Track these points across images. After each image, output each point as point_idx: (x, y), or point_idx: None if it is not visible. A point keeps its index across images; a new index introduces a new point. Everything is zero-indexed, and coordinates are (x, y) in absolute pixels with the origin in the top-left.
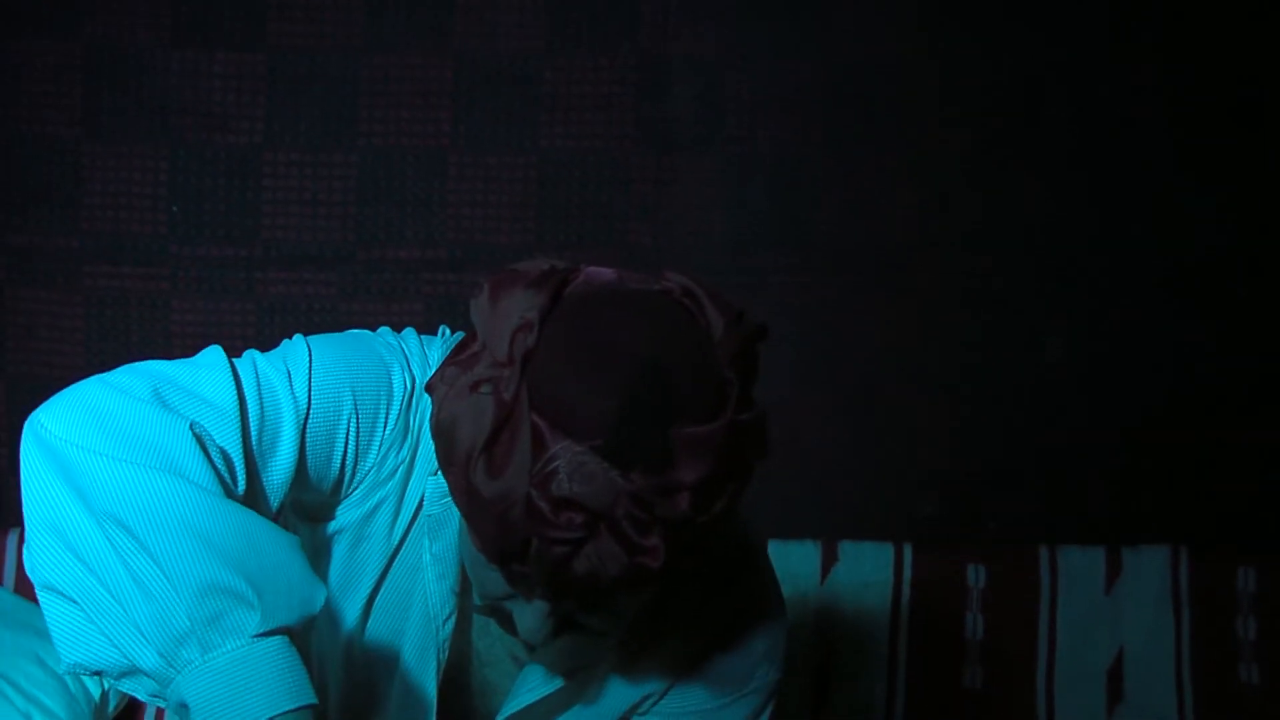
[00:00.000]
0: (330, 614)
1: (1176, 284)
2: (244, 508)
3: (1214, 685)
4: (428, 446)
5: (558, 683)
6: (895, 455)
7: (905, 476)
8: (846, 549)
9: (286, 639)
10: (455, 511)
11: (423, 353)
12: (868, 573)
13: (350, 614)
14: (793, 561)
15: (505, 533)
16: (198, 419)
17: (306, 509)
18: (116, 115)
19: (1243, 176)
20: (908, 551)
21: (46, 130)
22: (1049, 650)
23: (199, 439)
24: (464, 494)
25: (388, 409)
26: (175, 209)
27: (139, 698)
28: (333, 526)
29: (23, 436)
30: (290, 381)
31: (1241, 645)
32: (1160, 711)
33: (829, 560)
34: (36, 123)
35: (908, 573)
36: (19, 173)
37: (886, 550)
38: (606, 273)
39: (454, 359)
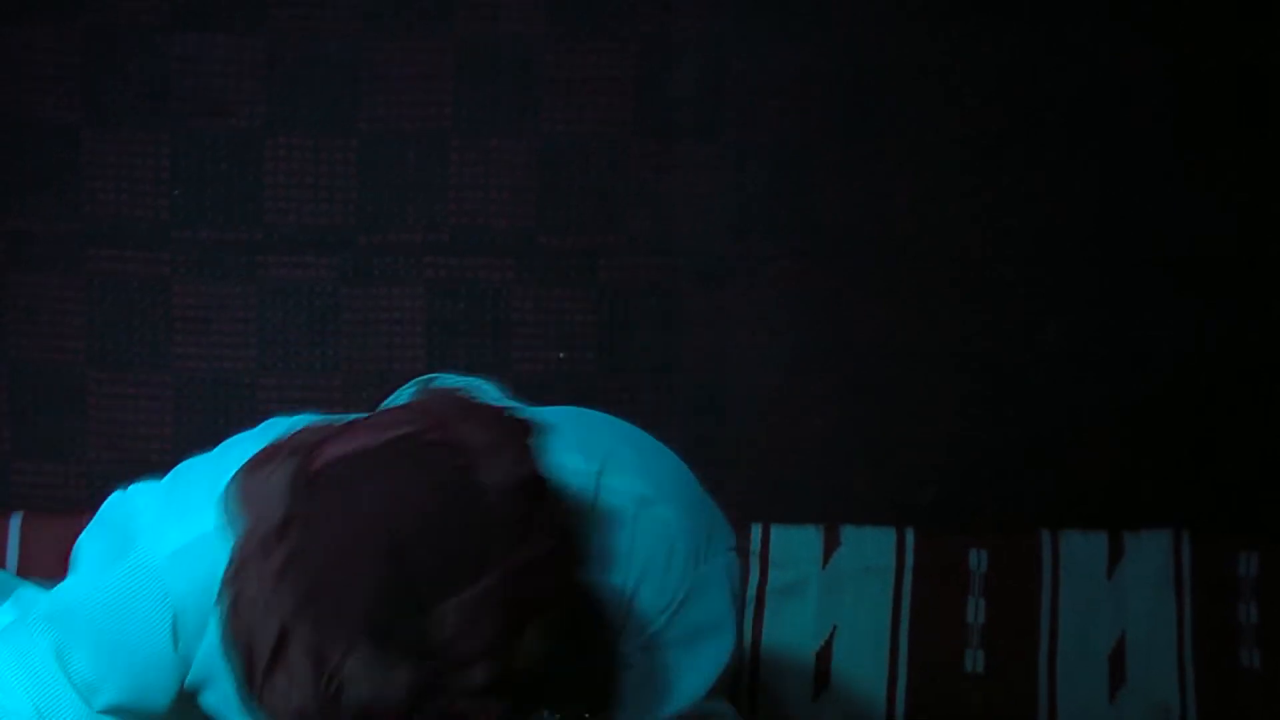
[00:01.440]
0: None
1: (1179, 268)
2: None
3: (1216, 669)
4: None
5: None
6: (896, 440)
7: (906, 461)
8: (848, 533)
9: None
10: None
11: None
12: (869, 557)
13: None
14: (794, 546)
15: None
16: None
17: None
18: (116, 99)
19: (1246, 161)
20: (910, 536)
21: (46, 114)
22: (1051, 635)
23: None
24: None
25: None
26: (176, 193)
27: None
28: None
29: None
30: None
31: (1244, 630)
32: (1162, 695)
33: (831, 545)
34: (36, 107)
35: (910, 557)
36: (19, 157)
37: (889, 535)
38: (345, 443)
39: (233, 557)
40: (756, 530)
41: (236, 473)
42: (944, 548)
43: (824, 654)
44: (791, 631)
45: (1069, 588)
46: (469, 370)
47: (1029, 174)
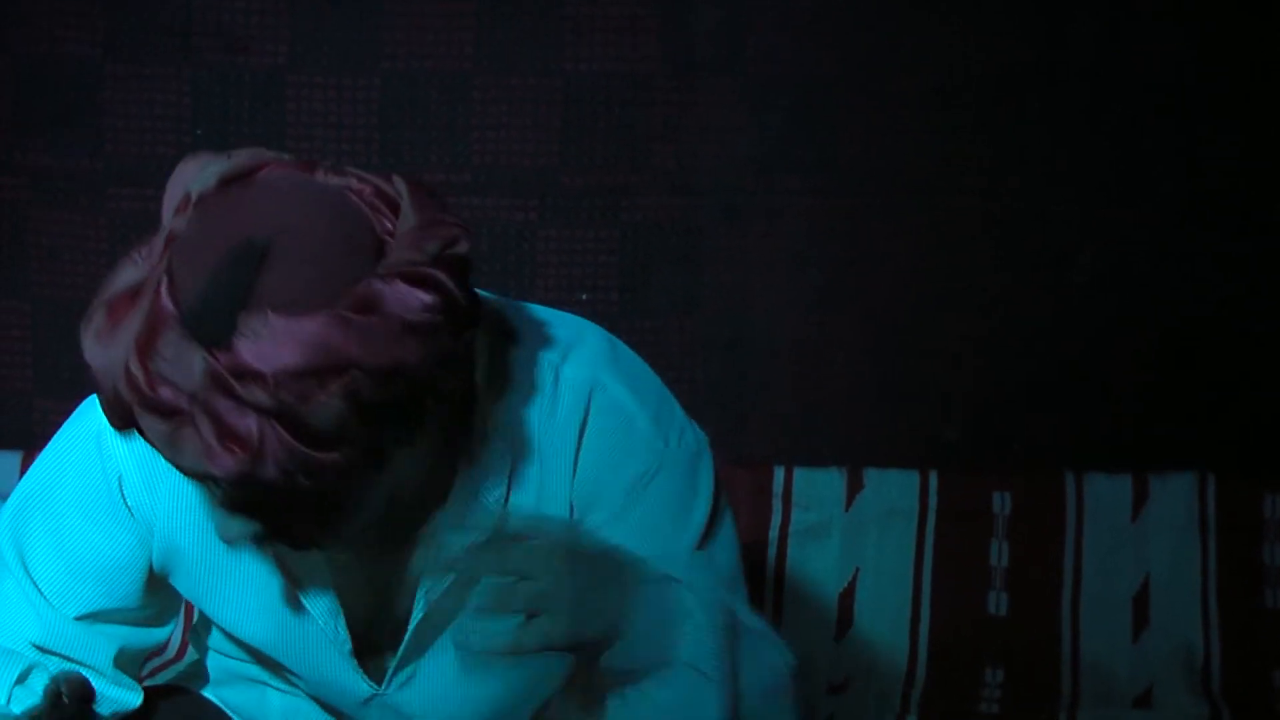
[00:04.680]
0: None
1: (1206, 207)
2: None
3: (1239, 611)
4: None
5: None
6: (919, 380)
7: (930, 401)
8: (871, 476)
9: None
10: None
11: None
12: (893, 500)
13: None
14: (817, 488)
15: (117, 405)
16: None
17: None
18: (138, 36)
19: (1276, 95)
20: (933, 478)
21: (67, 50)
22: (1074, 577)
23: None
24: (84, 354)
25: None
26: (199, 132)
27: None
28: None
29: None
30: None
31: (1267, 571)
32: (1186, 637)
33: (854, 487)
34: (57, 42)
35: (933, 500)
36: (39, 93)
37: (912, 477)
38: (303, 165)
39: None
40: (779, 472)
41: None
42: (968, 490)
43: (847, 596)
44: (815, 574)
45: (1093, 530)
46: None
47: (1054, 108)
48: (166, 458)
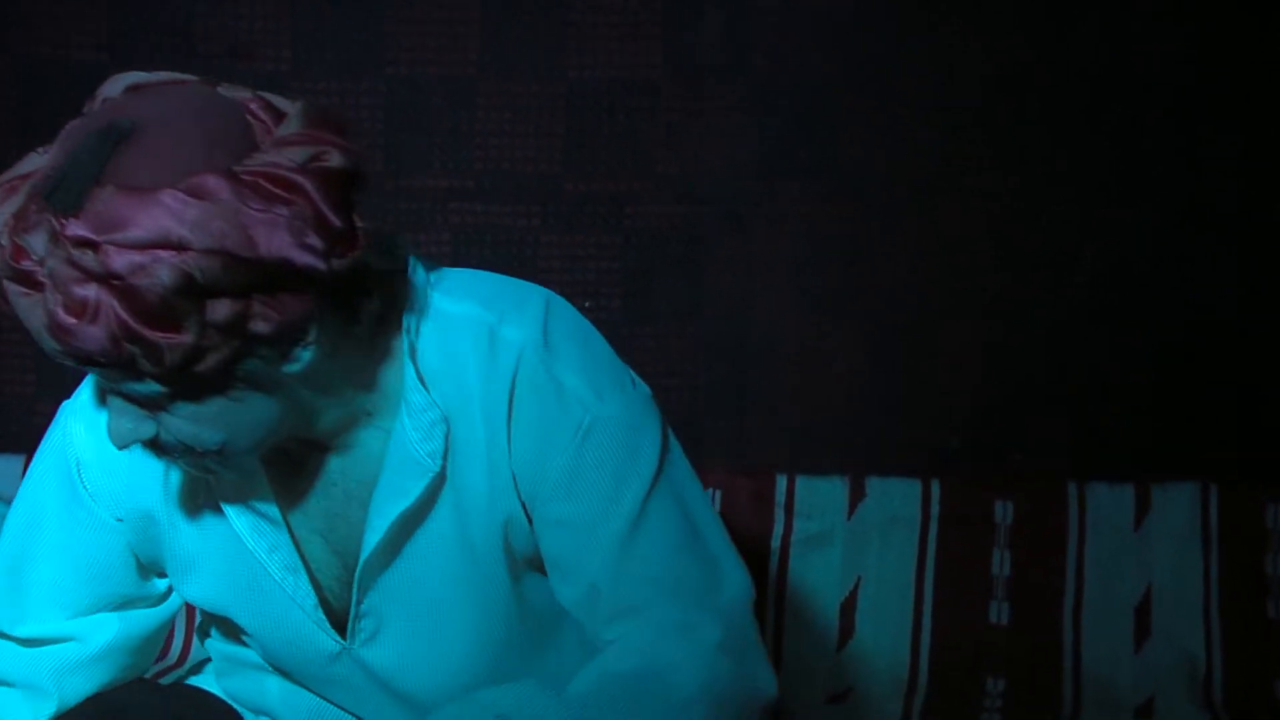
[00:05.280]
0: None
1: (1206, 208)
2: None
3: (1242, 621)
4: None
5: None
6: (922, 388)
7: (932, 410)
8: (874, 484)
9: None
10: None
11: None
12: (895, 508)
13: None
14: (819, 497)
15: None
16: None
17: None
18: (141, 40)
19: (1276, 95)
20: (935, 487)
21: (71, 55)
22: (1077, 587)
23: None
24: None
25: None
26: None
27: None
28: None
29: None
30: None
31: (1270, 581)
32: (1188, 647)
33: (856, 495)
34: (61, 47)
35: (935, 508)
36: (44, 97)
37: (914, 486)
38: (208, 82)
39: None
40: (781, 481)
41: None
42: (970, 499)
43: (849, 605)
44: (816, 582)
45: (1095, 540)
46: None
47: (1054, 113)
48: (33, 334)
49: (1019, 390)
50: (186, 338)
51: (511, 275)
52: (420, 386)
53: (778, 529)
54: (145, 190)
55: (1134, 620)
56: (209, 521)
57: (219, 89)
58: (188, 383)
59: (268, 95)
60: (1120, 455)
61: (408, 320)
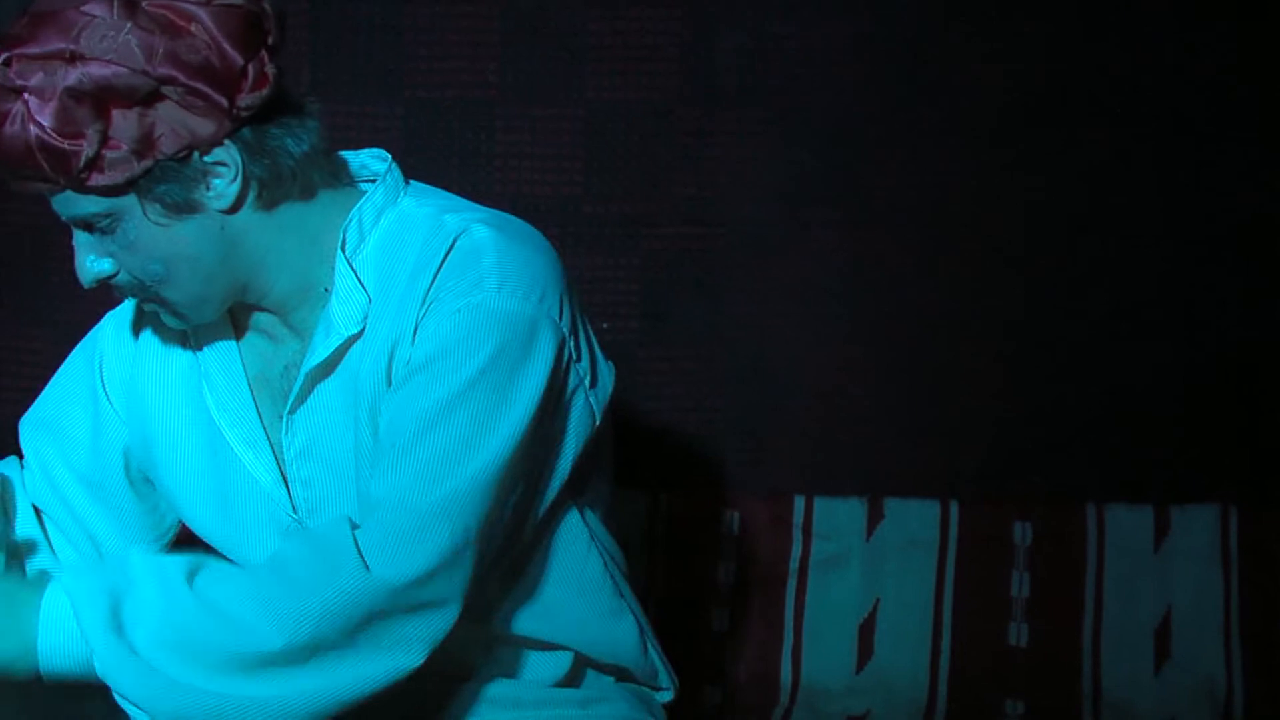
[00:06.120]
0: None
1: (1229, 239)
2: None
3: (1262, 644)
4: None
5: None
6: (941, 411)
7: (951, 432)
8: (892, 506)
9: None
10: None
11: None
12: (913, 530)
13: None
14: (837, 518)
15: None
16: None
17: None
18: None
19: None
20: (954, 509)
21: None
22: (1095, 609)
23: None
24: None
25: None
26: None
27: None
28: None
29: None
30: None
31: None
32: (1208, 670)
33: (874, 517)
34: None
35: (954, 530)
36: None
37: (933, 507)
38: None
39: None
40: (799, 502)
41: None
42: (988, 521)
43: (867, 626)
44: (835, 604)
45: (1114, 562)
46: None
47: (1078, 140)
48: None
49: (1038, 412)
50: (89, 145)
51: None
52: (349, 269)
53: (796, 550)
54: (49, 13)
55: (1154, 642)
56: (188, 415)
57: None
58: (108, 196)
59: None
60: (1139, 477)
61: (356, 211)
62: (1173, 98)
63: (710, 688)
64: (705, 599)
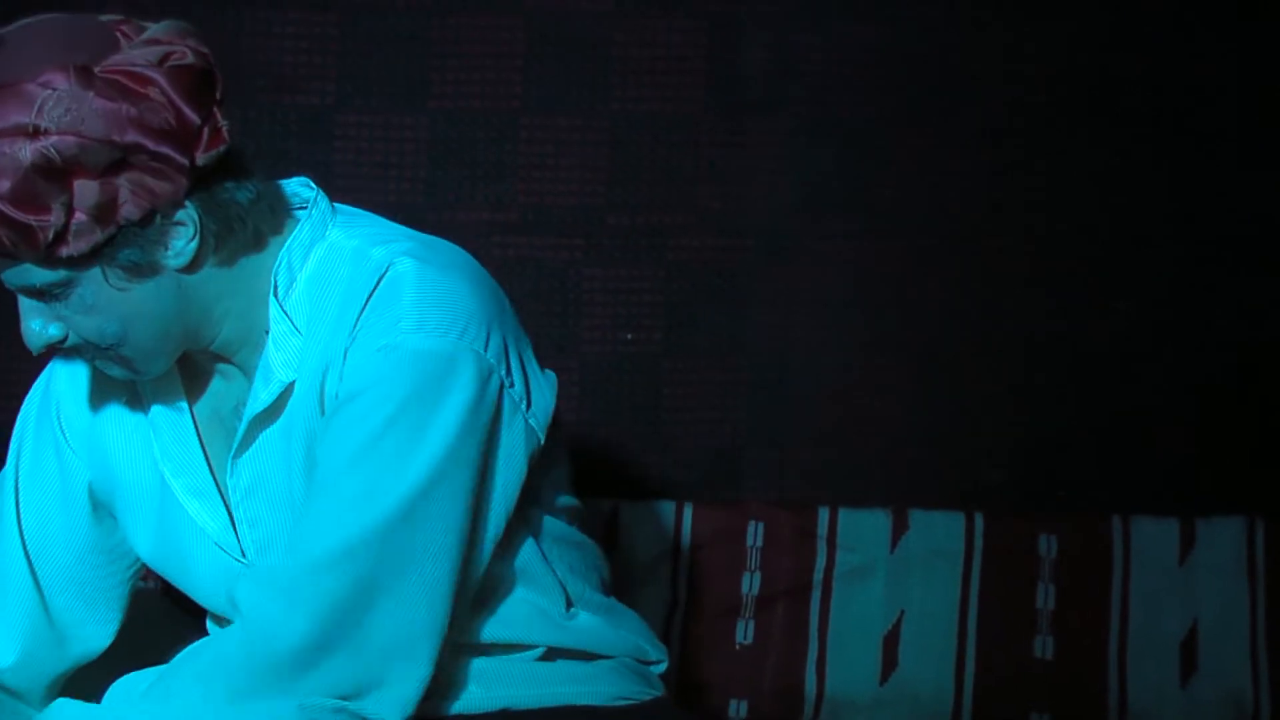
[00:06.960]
0: None
1: (1250, 250)
2: None
3: None
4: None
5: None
6: (964, 422)
7: (974, 443)
8: (917, 517)
9: None
10: None
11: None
12: (938, 541)
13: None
14: (862, 529)
15: None
16: None
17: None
18: None
19: None
20: (979, 520)
21: None
22: (1121, 621)
23: None
24: None
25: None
26: None
27: None
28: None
29: None
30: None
31: None
32: (1235, 683)
33: (899, 528)
34: None
35: (979, 542)
36: None
37: (957, 519)
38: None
39: None
40: (824, 514)
41: None
42: (1014, 532)
43: (891, 638)
44: (858, 615)
45: (1140, 574)
46: (536, 350)
47: (1097, 153)
48: None
49: (1063, 423)
50: (55, 218)
51: (553, 307)
52: (281, 314)
53: (820, 561)
54: (5, 86)
55: (1180, 655)
56: (140, 460)
57: (99, 16)
58: (70, 267)
59: (142, 22)
60: (1165, 488)
61: (285, 252)
62: (1199, 110)
63: (735, 700)
64: (729, 611)
